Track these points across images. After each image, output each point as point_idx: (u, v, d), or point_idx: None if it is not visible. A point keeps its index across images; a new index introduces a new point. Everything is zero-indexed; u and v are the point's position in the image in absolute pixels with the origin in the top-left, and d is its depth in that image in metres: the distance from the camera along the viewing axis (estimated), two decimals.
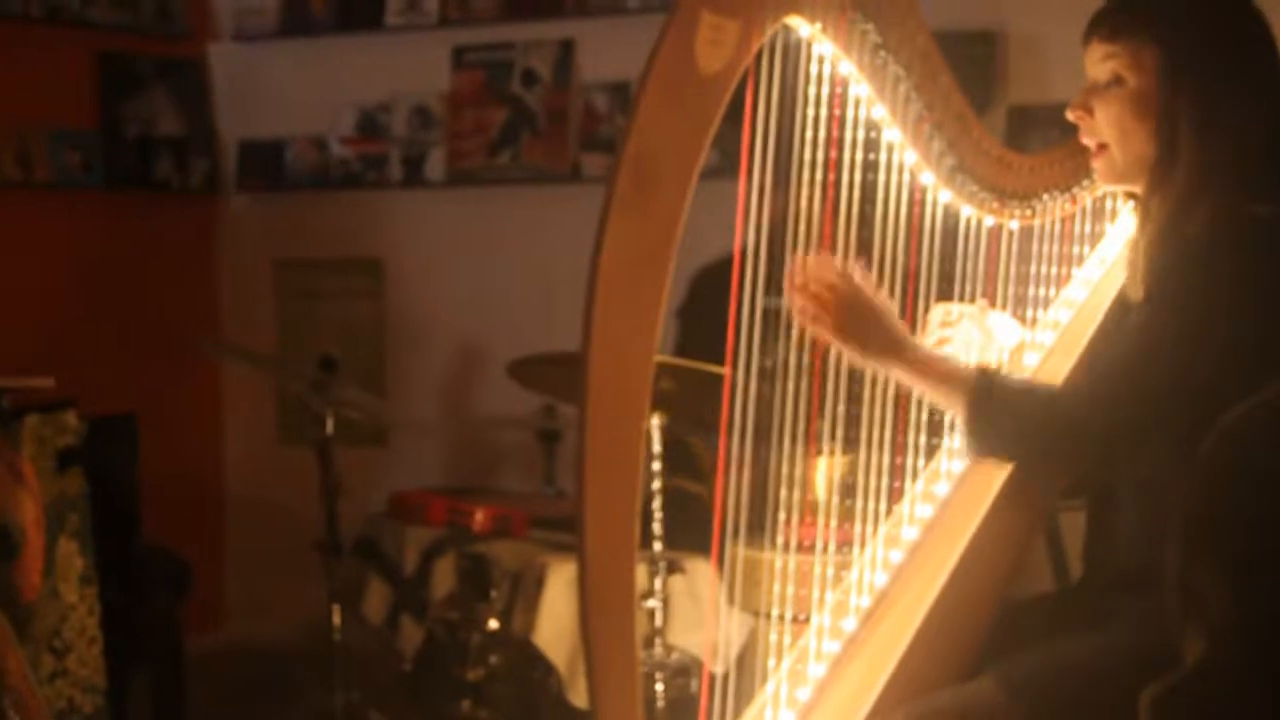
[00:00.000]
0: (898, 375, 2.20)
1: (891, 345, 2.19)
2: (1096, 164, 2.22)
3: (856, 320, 2.17)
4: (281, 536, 4.85)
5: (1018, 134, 4.24)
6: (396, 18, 5.07)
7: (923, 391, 2.21)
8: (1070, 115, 2.22)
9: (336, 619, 3.62)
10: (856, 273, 2.19)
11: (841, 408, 2.22)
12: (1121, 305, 2.30)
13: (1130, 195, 2.26)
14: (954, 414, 2.20)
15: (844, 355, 2.21)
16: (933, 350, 2.24)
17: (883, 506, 2.30)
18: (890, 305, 2.21)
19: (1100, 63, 2.17)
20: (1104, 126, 2.18)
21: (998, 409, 2.13)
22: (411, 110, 5.11)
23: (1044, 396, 2.19)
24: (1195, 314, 2.04)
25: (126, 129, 5.16)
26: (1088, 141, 2.22)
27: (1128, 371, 2.09)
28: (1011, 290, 2.40)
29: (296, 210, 5.34)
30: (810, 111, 2.11)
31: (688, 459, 3.56)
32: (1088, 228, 2.47)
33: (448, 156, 5.05)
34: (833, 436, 2.23)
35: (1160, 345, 2.07)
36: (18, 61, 4.85)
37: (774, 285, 2.11)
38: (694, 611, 3.45)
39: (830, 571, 2.24)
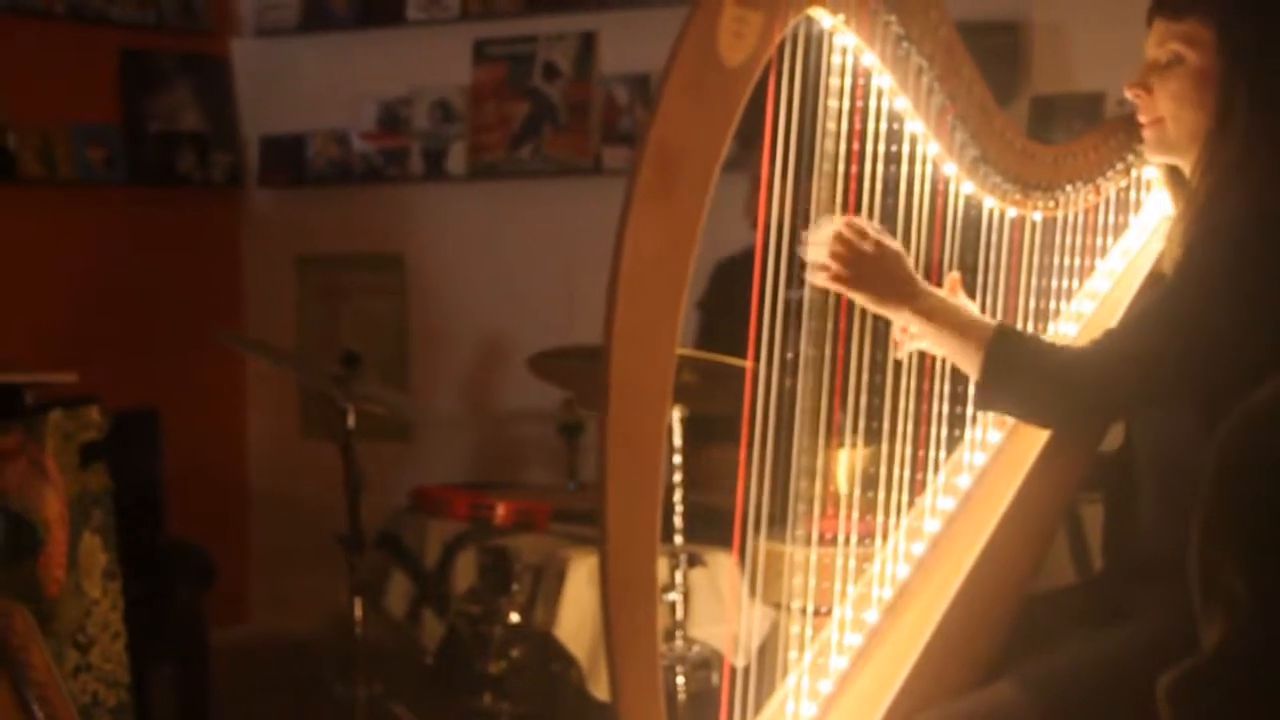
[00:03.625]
0: (909, 320, 2.20)
1: (904, 292, 2.19)
2: (1148, 134, 2.23)
3: (867, 268, 2.17)
4: (304, 531, 4.85)
5: (1041, 124, 4.22)
6: (417, 12, 5.07)
7: (937, 341, 2.21)
8: (1128, 93, 2.23)
9: (359, 613, 3.62)
10: (866, 225, 2.18)
11: (863, 400, 2.22)
12: (1155, 280, 2.30)
13: (1172, 170, 2.26)
14: (964, 364, 2.19)
15: (864, 347, 2.20)
16: (947, 298, 2.24)
17: (905, 499, 2.29)
18: (901, 252, 2.20)
19: (1161, 44, 2.18)
20: (1162, 102, 2.19)
21: (1013, 359, 2.14)
22: (433, 104, 5.12)
23: (1059, 350, 2.19)
24: (1214, 292, 2.05)
25: (149, 125, 5.17)
26: (1143, 118, 2.22)
27: (1140, 332, 2.11)
28: (1035, 282, 2.39)
29: (318, 205, 5.35)
30: (832, 103, 2.11)
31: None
32: (1111, 219, 2.46)
33: (469, 150, 5.05)
34: (854, 428, 2.22)
35: (1172, 315, 2.09)
36: (41, 58, 4.86)
37: (795, 277, 2.10)
38: (715, 604, 3.44)
39: (852, 564, 2.23)
